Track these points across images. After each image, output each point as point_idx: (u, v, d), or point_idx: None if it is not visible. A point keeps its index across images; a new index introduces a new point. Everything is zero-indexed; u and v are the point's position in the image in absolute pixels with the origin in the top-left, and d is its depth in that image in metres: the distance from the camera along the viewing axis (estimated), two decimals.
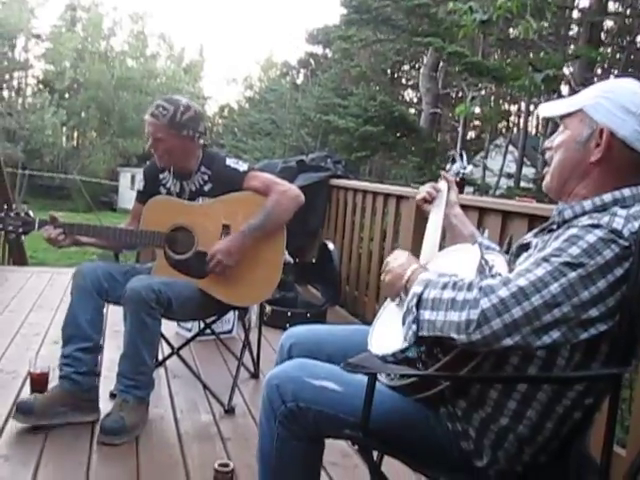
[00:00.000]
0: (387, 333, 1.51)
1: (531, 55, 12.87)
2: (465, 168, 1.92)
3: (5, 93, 34.49)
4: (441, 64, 14.80)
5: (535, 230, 1.53)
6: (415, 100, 23.28)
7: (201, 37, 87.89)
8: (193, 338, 3.13)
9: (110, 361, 2.87)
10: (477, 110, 14.95)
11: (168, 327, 3.16)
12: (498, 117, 17.72)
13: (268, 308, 4.20)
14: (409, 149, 13.65)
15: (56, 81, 32.93)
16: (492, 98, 16.16)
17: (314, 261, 5.08)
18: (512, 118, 23.54)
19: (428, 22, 12.90)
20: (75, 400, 2.47)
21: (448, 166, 1.95)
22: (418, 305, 1.29)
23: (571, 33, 14.62)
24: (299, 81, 26.50)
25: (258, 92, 30.63)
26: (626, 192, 1.34)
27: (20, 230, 2.53)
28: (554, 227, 1.41)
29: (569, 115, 1.42)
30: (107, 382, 2.75)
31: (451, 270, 1.39)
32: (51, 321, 3.96)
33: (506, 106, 20.31)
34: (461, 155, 1.96)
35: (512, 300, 1.20)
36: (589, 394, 1.34)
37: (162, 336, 2.71)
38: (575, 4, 13.50)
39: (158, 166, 2.75)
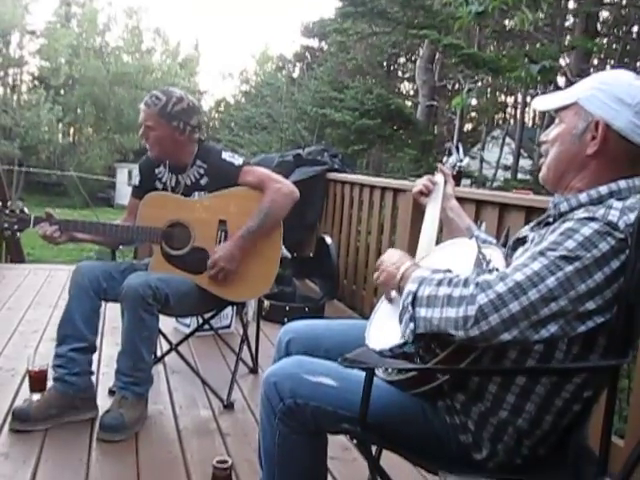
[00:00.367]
0: (384, 328, 1.51)
1: (527, 46, 12.86)
2: (462, 161, 1.92)
3: (0, 90, 34.39)
4: (437, 56, 14.78)
5: (532, 224, 1.53)
6: (411, 93, 23.25)
7: (196, 31, 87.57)
8: (191, 334, 3.13)
9: (109, 358, 2.88)
10: (474, 102, 14.98)
11: (166, 323, 3.16)
12: (495, 109, 17.75)
13: (266, 303, 4.21)
14: (406, 142, 13.64)
15: (51, 77, 32.82)
16: (488, 90, 16.16)
17: (312, 255, 5.08)
18: (509, 110, 23.56)
19: (424, 14, 12.88)
20: (70, 401, 2.47)
21: (445, 159, 1.94)
22: (414, 303, 1.29)
23: (567, 24, 14.59)
24: (295, 75, 26.46)
25: (254, 86, 30.58)
26: (622, 184, 1.34)
27: (15, 227, 2.52)
28: (550, 220, 1.41)
29: (564, 108, 1.42)
30: (106, 379, 2.76)
31: (448, 264, 1.39)
32: (49, 318, 3.96)
33: (502, 98, 20.32)
34: (457, 148, 1.95)
35: (509, 295, 1.20)
36: (587, 386, 1.35)
37: (160, 332, 2.71)
38: None
39: (153, 160, 2.75)
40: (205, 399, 2.85)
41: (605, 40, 15.25)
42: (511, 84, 14.85)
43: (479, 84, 13.48)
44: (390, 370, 1.47)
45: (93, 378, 2.58)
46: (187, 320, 3.75)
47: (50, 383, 2.54)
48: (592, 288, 1.21)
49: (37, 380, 2.64)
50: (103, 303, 2.58)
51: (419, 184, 1.85)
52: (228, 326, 3.90)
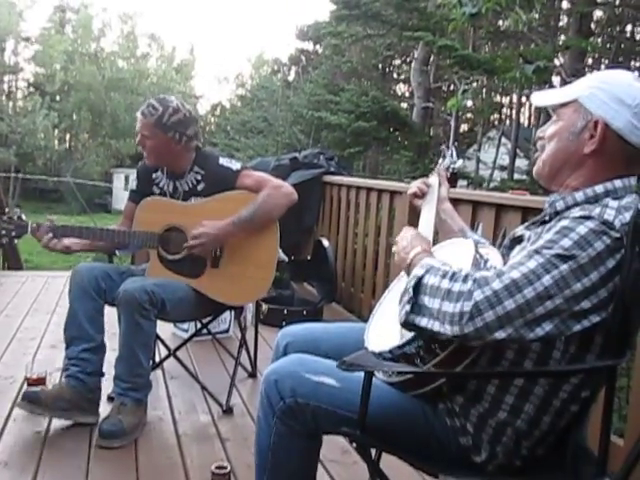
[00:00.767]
0: (384, 330, 1.51)
1: (521, 47, 12.87)
2: (455, 162, 1.92)
3: None
4: (432, 58, 14.78)
5: (527, 222, 1.53)
6: (407, 94, 23.25)
7: (191, 36, 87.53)
8: (190, 339, 3.12)
9: (107, 363, 2.87)
10: (469, 103, 14.97)
11: (164, 328, 3.16)
12: (490, 110, 17.74)
13: (264, 306, 4.20)
14: (402, 144, 13.64)
15: (47, 84, 32.81)
16: (484, 91, 16.16)
17: (309, 258, 5.07)
18: (504, 110, 23.56)
19: (418, 16, 12.87)
20: (79, 399, 2.47)
21: (440, 161, 1.95)
22: (416, 287, 1.29)
23: (561, 24, 14.61)
24: (290, 78, 26.44)
25: (250, 90, 30.57)
26: (617, 183, 1.34)
27: (13, 234, 2.52)
28: (546, 219, 1.41)
29: (563, 105, 1.42)
30: (104, 385, 2.75)
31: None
32: (47, 325, 3.96)
33: (498, 98, 20.31)
34: (450, 150, 1.95)
35: (505, 292, 1.20)
36: (585, 386, 1.35)
37: (158, 337, 2.71)
38: None
39: (150, 166, 2.75)
40: (204, 404, 2.84)
41: (599, 40, 15.26)
42: (506, 85, 14.84)
43: (474, 85, 13.49)
44: (390, 372, 1.47)
45: (102, 381, 2.58)
46: (185, 325, 3.74)
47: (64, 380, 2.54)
48: (588, 287, 1.21)
49: (35, 387, 2.64)
50: (104, 304, 2.57)
51: (413, 186, 1.86)
52: (226, 330, 3.89)
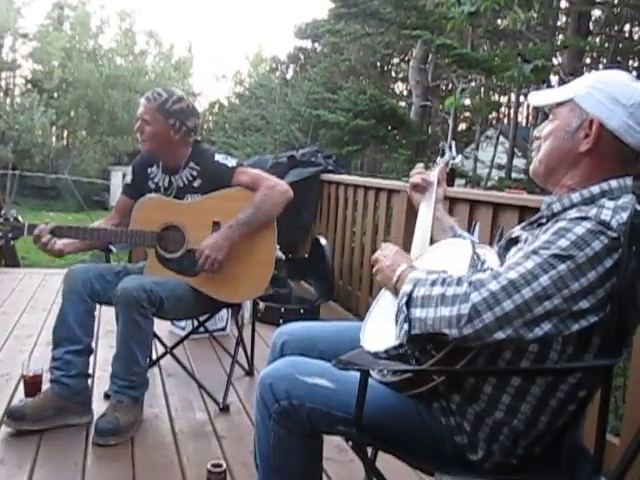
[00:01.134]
0: (379, 329, 1.51)
1: (520, 46, 12.88)
2: (454, 158, 1.92)
3: None
4: (430, 57, 14.79)
5: (524, 223, 1.53)
6: (405, 93, 23.26)
7: (190, 34, 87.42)
8: (187, 337, 3.12)
9: (104, 361, 2.87)
10: (467, 102, 14.98)
11: (161, 326, 3.16)
12: (488, 108, 17.72)
13: (261, 305, 4.20)
14: (400, 142, 13.66)
15: (44, 81, 32.72)
16: (482, 90, 16.17)
17: (307, 256, 5.07)
18: (502, 109, 23.57)
19: (416, 15, 12.88)
20: (66, 403, 2.46)
21: (439, 159, 1.94)
22: (408, 304, 1.29)
23: (559, 23, 14.62)
24: (289, 76, 26.46)
25: (248, 88, 30.53)
26: (613, 183, 1.34)
27: (9, 236, 2.51)
28: (543, 221, 1.41)
29: (559, 104, 1.42)
30: (101, 383, 2.75)
31: (443, 265, 1.39)
32: (44, 323, 3.95)
33: (496, 97, 20.32)
34: (450, 145, 1.95)
35: (503, 293, 1.20)
36: (582, 386, 1.35)
37: (155, 335, 2.71)
38: None
39: (147, 160, 2.76)
40: (201, 402, 2.84)
41: (597, 39, 15.28)
42: (504, 84, 14.86)
43: (472, 84, 13.49)
44: (385, 371, 1.47)
45: (90, 381, 2.57)
46: (182, 323, 3.74)
47: (45, 387, 2.54)
48: (585, 287, 1.22)
49: (32, 385, 2.64)
50: (97, 306, 2.57)
51: (416, 177, 1.85)
52: (223, 328, 3.89)
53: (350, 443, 1.43)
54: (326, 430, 1.46)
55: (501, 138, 16.65)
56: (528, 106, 21.68)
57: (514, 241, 1.49)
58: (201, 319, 3.03)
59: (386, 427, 1.41)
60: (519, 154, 15.58)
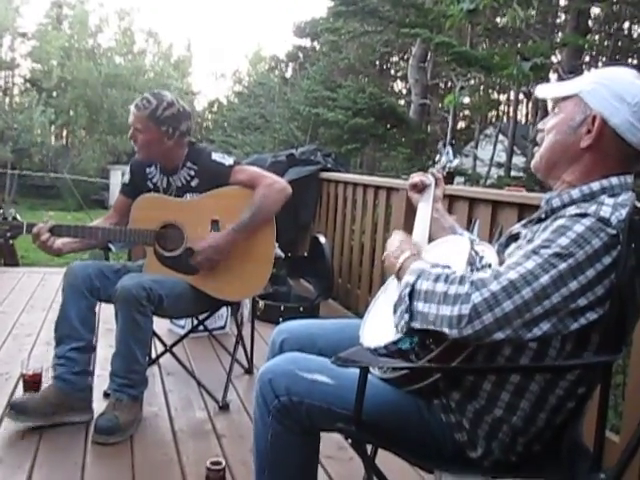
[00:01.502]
0: (379, 326, 1.51)
1: (519, 44, 12.87)
2: (452, 162, 1.91)
3: None
4: (429, 55, 14.77)
5: (524, 221, 1.53)
6: (404, 91, 23.25)
7: (189, 32, 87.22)
8: (186, 335, 3.12)
9: (103, 360, 2.87)
10: (466, 100, 14.97)
11: (161, 324, 3.16)
12: (487, 107, 17.73)
13: (261, 303, 4.20)
14: (399, 141, 13.64)
15: (43, 80, 32.65)
16: (481, 88, 16.14)
17: (306, 255, 5.07)
18: (501, 107, 23.58)
19: (415, 13, 12.87)
20: (68, 400, 2.46)
21: (437, 157, 1.94)
22: (411, 295, 1.29)
23: (558, 21, 14.62)
24: (288, 75, 26.44)
25: (247, 87, 30.49)
26: (614, 181, 1.34)
27: (8, 235, 2.50)
28: (542, 216, 1.41)
29: (565, 98, 1.42)
30: (100, 381, 2.75)
31: (442, 262, 1.39)
32: (43, 322, 3.95)
33: (495, 95, 20.30)
34: (447, 150, 1.95)
35: (503, 294, 1.20)
36: (581, 383, 1.35)
37: (155, 334, 2.71)
38: None
39: (142, 161, 2.75)
40: (200, 400, 2.84)
41: (597, 37, 15.30)
42: (503, 82, 14.87)
43: (471, 82, 13.50)
44: (385, 368, 1.47)
45: (91, 379, 2.57)
46: (182, 321, 3.74)
47: (44, 386, 2.53)
48: (584, 284, 1.21)
49: (31, 384, 2.64)
50: (97, 303, 2.57)
51: (415, 177, 1.85)
52: (223, 327, 3.89)
53: (350, 441, 1.43)
54: (325, 427, 1.46)
55: (500, 136, 16.65)
56: (527, 104, 21.69)
57: (514, 238, 1.48)
58: (200, 317, 3.02)
59: (385, 424, 1.40)
60: (518, 152, 15.58)
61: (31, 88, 32.82)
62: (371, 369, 1.44)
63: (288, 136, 14.88)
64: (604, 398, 1.32)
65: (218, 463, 2.02)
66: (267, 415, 1.45)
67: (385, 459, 1.56)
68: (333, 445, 2.35)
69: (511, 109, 18.08)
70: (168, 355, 2.87)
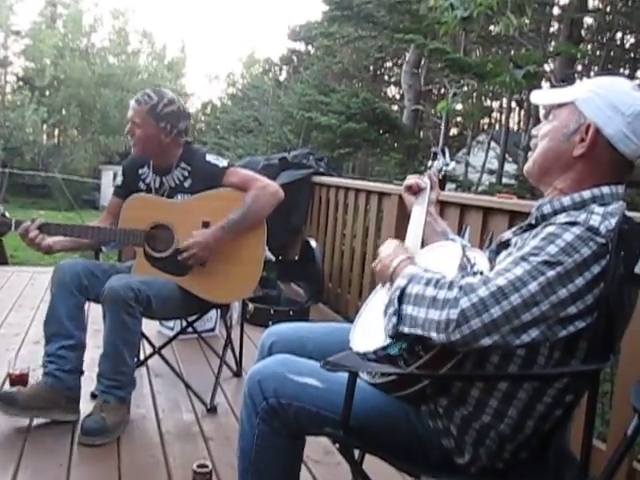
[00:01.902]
0: (369, 331, 1.51)
1: (512, 52, 12.94)
2: (447, 165, 1.92)
3: None
4: (423, 61, 14.82)
5: (514, 228, 1.53)
6: (397, 97, 23.29)
7: (183, 34, 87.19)
8: (175, 337, 3.11)
9: (91, 360, 2.85)
10: (459, 107, 15.02)
11: (150, 326, 3.15)
12: (480, 113, 17.79)
13: (251, 306, 4.19)
14: (391, 146, 13.68)
15: (36, 78, 32.55)
16: (474, 94, 16.21)
17: (297, 259, 5.07)
18: (494, 114, 23.64)
19: (410, 19, 12.91)
20: (57, 397, 2.45)
21: (429, 163, 1.94)
22: (401, 298, 1.29)
23: (551, 30, 14.70)
24: (282, 78, 26.43)
25: (240, 89, 30.51)
26: (605, 190, 1.34)
27: None
28: (533, 222, 1.42)
29: (560, 106, 1.42)
30: (88, 382, 2.73)
31: (434, 267, 1.39)
32: (31, 321, 3.93)
33: (488, 102, 20.39)
34: (443, 151, 1.95)
35: (491, 300, 1.20)
36: (569, 391, 1.35)
37: (143, 335, 2.69)
38: (555, 1, 13.58)
39: (137, 161, 2.76)
40: (188, 403, 2.83)
41: (589, 46, 15.38)
42: (496, 89, 14.94)
43: (464, 89, 13.53)
44: (374, 373, 1.47)
45: (82, 379, 2.55)
46: (171, 323, 3.73)
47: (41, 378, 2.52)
48: (573, 293, 1.22)
49: (18, 383, 2.62)
50: (86, 301, 2.56)
51: (411, 179, 1.85)
52: (212, 329, 3.88)
53: (337, 445, 1.42)
54: (313, 431, 1.46)
55: (492, 143, 16.71)
56: (520, 112, 21.79)
57: (504, 245, 1.49)
58: (190, 319, 3.01)
59: (373, 429, 1.40)
60: (510, 159, 15.64)
61: (24, 86, 32.70)
62: (360, 374, 1.44)
63: (281, 139, 14.89)
64: (592, 406, 1.32)
65: (205, 466, 2.01)
66: (254, 416, 1.44)
67: (372, 464, 1.56)
68: (320, 449, 2.34)
69: (503, 116, 18.15)
70: (156, 357, 2.85)
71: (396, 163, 12.72)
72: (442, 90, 16.98)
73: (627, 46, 16.43)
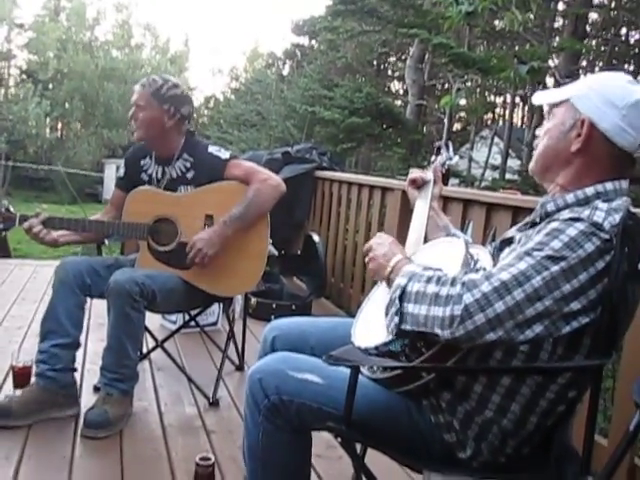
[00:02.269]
0: (370, 326, 1.51)
1: (516, 47, 12.91)
2: (451, 159, 1.91)
3: None
4: (427, 56, 14.77)
5: (519, 225, 1.53)
6: (401, 92, 23.24)
7: (186, 27, 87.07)
8: (177, 330, 3.11)
9: (94, 354, 2.87)
10: (463, 102, 14.96)
11: (152, 320, 3.15)
12: (483, 109, 17.74)
13: (253, 300, 4.20)
14: (395, 141, 13.65)
15: (39, 71, 32.53)
16: (478, 90, 16.17)
17: (299, 253, 5.08)
18: (498, 110, 23.60)
19: (414, 13, 12.86)
20: (52, 397, 2.45)
21: (433, 157, 1.94)
22: (402, 297, 1.29)
23: (556, 25, 14.64)
24: (285, 72, 26.39)
25: (244, 83, 30.44)
26: (609, 186, 1.34)
27: (1, 226, 2.49)
28: (537, 220, 1.42)
29: (558, 104, 1.43)
30: (91, 375, 2.74)
31: (437, 263, 1.39)
32: (34, 314, 3.93)
33: (492, 98, 20.34)
34: (447, 145, 1.95)
35: (495, 295, 1.20)
36: (572, 387, 1.35)
37: (146, 329, 2.70)
38: None
39: (139, 152, 2.76)
40: (190, 396, 2.83)
41: (594, 42, 15.32)
42: (500, 84, 14.89)
43: (468, 84, 13.52)
44: (375, 368, 1.47)
45: (76, 375, 2.56)
46: (173, 317, 3.73)
47: (34, 379, 2.52)
48: (577, 288, 1.22)
49: (21, 376, 2.63)
50: (88, 299, 2.56)
51: (415, 173, 1.85)
52: (215, 323, 3.89)
53: (339, 440, 1.43)
54: (315, 426, 1.46)
55: (496, 139, 16.69)
56: (523, 107, 21.74)
57: (508, 242, 1.49)
58: (192, 313, 3.02)
59: (375, 424, 1.41)
60: (513, 155, 15.62)
61: (27, 79, 32.68)
62: (362, 369, 1.44)
63: (284, 134, 14.87)
64: (594, 402, 1.33)
65: (207, 459, 2.02)
66: (257, 414, 1.45)
67: (374, 458, 1.57)
68: (322, 444, 2.35)
69: (507, 112, 18.10)
70: (159, 350, 2.86)
71: (399, 158, 12.70)
72: (446, 85, 16.93)
73: (632, 42, 16.36)
